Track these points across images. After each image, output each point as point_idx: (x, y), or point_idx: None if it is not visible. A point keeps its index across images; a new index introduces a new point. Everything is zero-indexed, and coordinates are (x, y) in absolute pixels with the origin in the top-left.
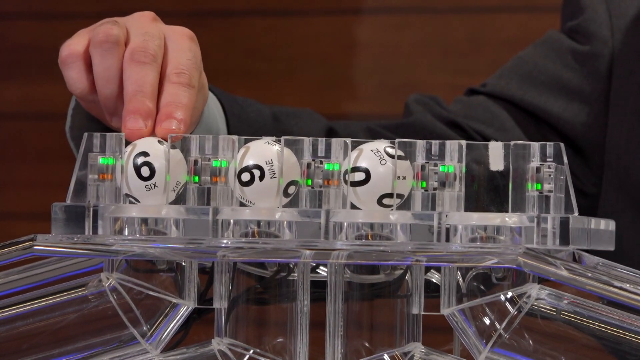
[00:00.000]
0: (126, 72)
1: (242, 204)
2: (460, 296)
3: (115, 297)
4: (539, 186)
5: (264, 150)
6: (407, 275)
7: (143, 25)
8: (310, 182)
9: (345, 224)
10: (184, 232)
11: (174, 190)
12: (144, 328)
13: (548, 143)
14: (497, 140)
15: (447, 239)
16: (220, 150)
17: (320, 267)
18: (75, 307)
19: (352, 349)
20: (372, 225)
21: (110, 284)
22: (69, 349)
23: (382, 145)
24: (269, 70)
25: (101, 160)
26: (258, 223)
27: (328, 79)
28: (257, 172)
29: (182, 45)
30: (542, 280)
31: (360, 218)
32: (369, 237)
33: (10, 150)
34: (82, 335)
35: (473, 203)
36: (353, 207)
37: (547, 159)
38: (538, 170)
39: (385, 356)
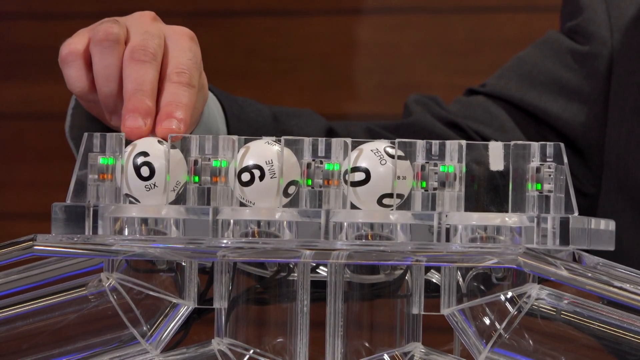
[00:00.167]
0: (126, 71)
1: (242, 204)
2: (460, 296)
3: (115, 297)
4: (539, 186)
5: (264, 150)
6: (407, 275)
7: (143, 25)
8: (310, 182)
9: (345, 224)
10: (184, 232)
11: (174, 190)
12: (144, 328)
13: (548, 143)
14: (496, 140)
15: (447, 239)
16: (220, 150)
17: (320, 267)
18: (75, 307)
19: (352, 349)
20: (372, 225)
21: (110, 284)
22: (69, 349)
23: (382, 145)
24: (269, 70)
25: (101, 160)
26: (258, 223)
27: (328, 79)
28: (257, 172)
29: (183, 45)
30: (542, 280)
31: (360, 218)
32: (369, 237)
33: (10, 150)
34: (82, 335)
35: (473, 203)
36: (353, 207)
37: (547, 159)
38: (538, 170)
39: (385, 356)
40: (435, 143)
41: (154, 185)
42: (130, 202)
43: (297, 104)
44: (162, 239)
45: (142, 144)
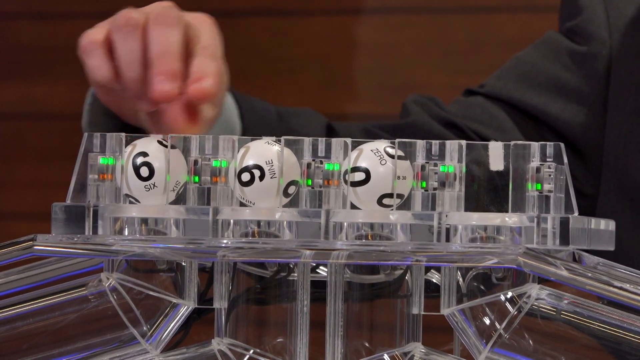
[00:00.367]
0: (150, 35)
1: (242, 204)
2: (460, 296)
3: (115, 297)
4: (539, 186)
5: (264, 150)
6: (407, 275)
7: (161, 3)
8: (310, 182)
9: (345, 224)
10: (184, 232)
11: (174, 190)
12: (144, 328)
13: (548, 143)
14: (495, 140)
15: (447, 239)
16: (220, 150)
17: (320, 267)
18: (75, 307)
19: (352, 349)
20: (372, 225)
21: (110, 284)
22: (69, 349)
23: (382, 145)
24: (269, 70)
25: (101, 160)
26: (258, 223)
27: (328, 79)
28: (257, 172)
29: (204, 26)
30: (542, 280)
31: (360, 218)
32: (369, 237)
33: (10, 150)
34: (82, 335)
35: (473, 203)
36: (353, 207)
37: (547, 159)
38: (538, 170)
39: (385, 356)
40: (435, 143)
41: (154, 185)
42: (130, 202)
43: (297, 103)
44: (162, 239)
45: (142, 144)
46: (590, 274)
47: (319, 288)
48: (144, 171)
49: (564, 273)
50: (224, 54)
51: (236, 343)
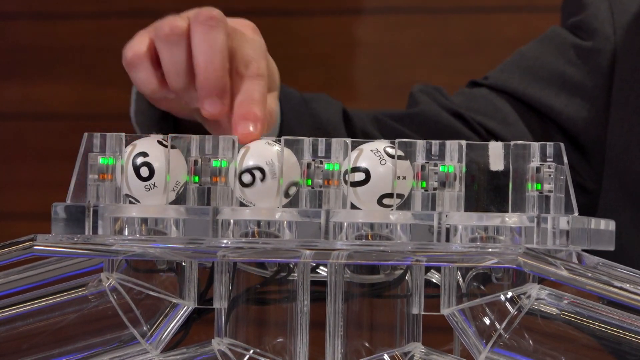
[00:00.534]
0: (194, 36)
1: (242, 204)
2: (460, 296)
3: (115, 297)
4: (539, 186)
5: (264, 151)
6: (407, 275)
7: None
8: (310, 182)
9: (345, 224)
10: (184, 232)
11: (174, 190)
12: (144, 328)
13: (548, 143)
14: (500, 133)
15: (447, 239)
16: (220, 150)
17: (320, 267)
18: (75, 307)
19: (352, 349)
20: (372, 225)
21: (110, 284)
22: (69, 349)
23: (382, 145)
24: None
25: (101, 160)
26: (258, 223)
27: (328, 79)
28: (258, 174)
29: (245, 36)
30: (542, 280)
31: (360, 218)
32: (369, 237)
33: (10, 150)
34: (82, 335)
35: (473, 203)
36: (353, 207)
37: (547, 159)
38: (538, 170)
39: (385, 356)
40: (435, 143)
41: (154, 185)
42: (130, 202)
43: None
44: (162, 239)
45: (142, 144)
46: (590, 274)
47: (319, 288)
48: (144, 171)
49: (564, 273)
50: (266, 53)
51: (236, 343)
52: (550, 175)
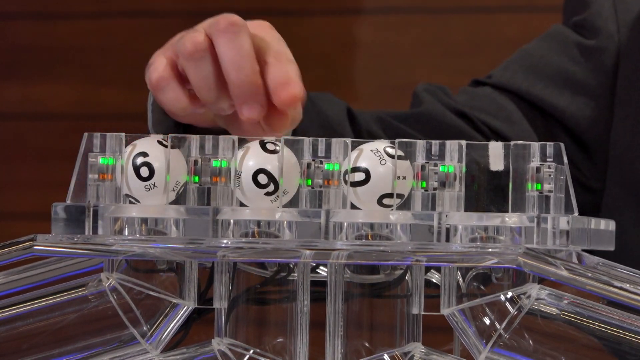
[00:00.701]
0: (219, 44)
1: (241, 204)
2: (460, 296)
3: (115, 297)
4: (539, 186)
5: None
6: (407, 275)
7: (221, 16)
8: (310, 182)
9: (345, 224)
10: (184, 232)
11: (174, 190)
12: (144, 328)
13: (548, 143)
14: (504, 132)
15: (447, 239)
16: (220, 150)
17: (320, 267)
18: (75, 307)
19: (352, 349)
20: (372, 225)
21: (110, 284)
22: (69, 349)
23: (382, 145)
24: None
25: (101, 160)
26: (258, 223)
27: (328, 79)
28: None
29: (268, 33)
30: (542, 280)
31: (360, 218)
32: (369, 237)
33: (10, 150)
34: (82, 335)
35: (473, 203)
36: (353, 207)
37: (547, 159)
38: (538, 170)
39: (385, 356)
40: (435, 143)
41: (154, 185)
42: (130, 202)
43: None
44: (162, 239)
45: (142, 144)
46: (590, 274)
47: (319, 288)
48: (144, 171)
49: (564, 273)
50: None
51: (236, 343)
52: (550, 175)
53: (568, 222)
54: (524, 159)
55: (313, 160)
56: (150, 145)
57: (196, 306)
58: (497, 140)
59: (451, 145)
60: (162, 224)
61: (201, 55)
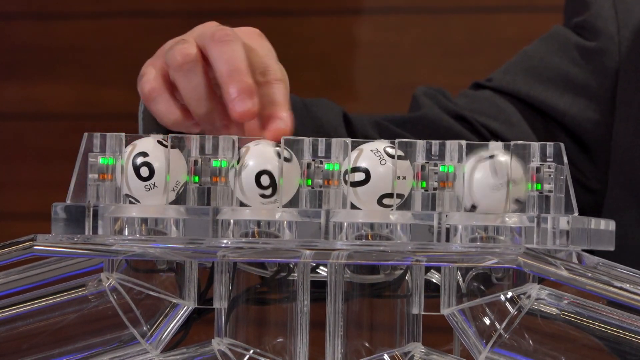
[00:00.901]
0: (213, 54)
1: (242, 204)
2: (460, 296)
3: (115, 297)
4: (539, 186)
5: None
6: (407, 275)
7: (212, 27)
8: (310, 182)
9: (345, 224)
10: (184, 232)
11: (174, 190)
12: (144, 328)
13: (548, 143)
14: (503, 134)
15: (447, 239)
16: (220, 150)
17: (320, 267)
18: (75, 307)
19: (352, 349)
20: (372, 225)
21: (110, 284)
22: (69, 349)
23: (382, 145)
24: None
25: (101, 160)
26: (258, 223)
27: (328, 79)
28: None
29: (255, 44)
30: (542, 280)
31: (360, 218)
32: (369, 237)
33: (10, 150)
34: (82, 335)
35: None
36: (353, 207)
37: (547, 159)
38: (538, 170)
39: (385, 356)
40: (435, 143)
41: (154, 185)
42: (130, 202)
43: None
44: (162, 239)
45: (141, 144)
46: (590, 274)
47: (319, 288)
48: (144, 171)
49: (564, 273)
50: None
51: (236, 343)
52: (550, 175)
53: (568, 222)
54: (524, 159)
55: (313, 160)
56: (150, 145)
57: (196, 306)
58: None
59: (451, 145)
60: (162, 224)
61: (191, 67)
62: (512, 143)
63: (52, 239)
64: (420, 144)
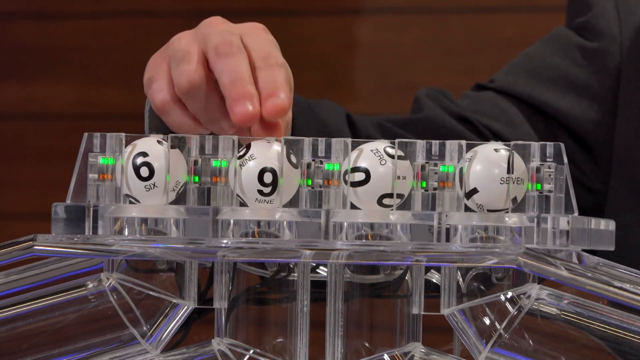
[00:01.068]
0: (217, 67)
1: (242, 204)
2: (460, 296)
3: (115, 297)
4: (539, 186)
5: (266, 151)
6: (407, 275)
7: (216, 28)
8: (310, 182)
9: (345, 224)
10: (184, 232)
11: (174, 190)
12: (144, 328)
13: (548, 143)
14: (506, 135)
15: (447, 239)
16: (220, 150)
17: (320, 267)
18: (75, 307)
19: (352, 349)
20: (372, 225)
21: (110, 284)
22: (69, 349)
23: (382, 145)
24: None
25: (101, 160)
26: (258, 223)
27: (328, 79)
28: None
29: (258, 36)
30: (542, 280)
31: (360, 218)
32: (369, 237)
33: (10, 150)
34: (82, 335)
35: None
36: (353, 207)
37: (547, 159)
38: (538, 170)
39: (385, 356)
40: (435, 143)
41: (154, 185)
42: (130, 202)
43: None
44: (162, 239)
45: (142, 144)
46: (590, 274)
47: (319, 288)
48: (144, 171)
49: (564, 273)
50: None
51: (236, 343)
52: (550, 175)
53: (568, 222)
54: (524, 159)
55: (313, 160)
56: (150, 145)
57: (196, 306)
58: None
59: (451, 145)
60: (162, 224)
61: (196, 92)
62: (512, 143)
63: (52, 239)
64: (420, 144)
